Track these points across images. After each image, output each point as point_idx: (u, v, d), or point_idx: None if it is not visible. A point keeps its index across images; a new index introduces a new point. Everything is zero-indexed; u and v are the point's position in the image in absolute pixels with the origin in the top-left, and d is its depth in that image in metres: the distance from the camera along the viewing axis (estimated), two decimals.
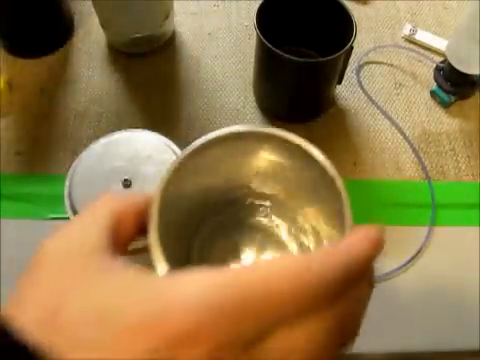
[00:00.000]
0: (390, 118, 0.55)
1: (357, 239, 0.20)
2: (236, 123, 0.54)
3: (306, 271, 0.18)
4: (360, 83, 0.57)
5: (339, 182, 0.25)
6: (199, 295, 0.17)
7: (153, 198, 0.23)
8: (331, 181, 0.25)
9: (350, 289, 0.19)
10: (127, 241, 0.23)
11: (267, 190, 0.31)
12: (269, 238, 0.31)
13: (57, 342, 0.17)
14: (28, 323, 0.17)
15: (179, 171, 0.25)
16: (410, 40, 0.60)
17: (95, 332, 0.17)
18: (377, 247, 0.20)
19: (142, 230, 0.23)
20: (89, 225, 0.21)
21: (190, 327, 0.16)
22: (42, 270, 0.20)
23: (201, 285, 0.17)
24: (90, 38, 0.59)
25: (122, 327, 0.17)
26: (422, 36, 0.60)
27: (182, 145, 0.38)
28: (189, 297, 0.17)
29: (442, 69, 0.56)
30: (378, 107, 0.55)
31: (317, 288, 0.18)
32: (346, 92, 0.56)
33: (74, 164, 0.40)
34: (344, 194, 0.24)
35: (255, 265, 0.19)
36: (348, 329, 0.20)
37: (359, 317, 0.20)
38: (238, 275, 0.18)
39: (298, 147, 0.26)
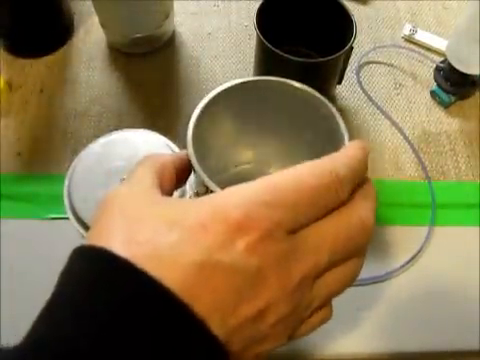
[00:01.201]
0: (390, 118, 0.55)
1: (353, 148, 0.25)
2: None
3: (328, 172, 0.22)
4: (360, 83, 0.57)
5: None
6: (244, 195, 0.21)
7: (188, 139, 0.29)
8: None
9: (362, 191, 0.24)
10: (171, 189, 0.27)
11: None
12: None
13: (141, 256, 0.20)
14: (114, 247, 0.20)
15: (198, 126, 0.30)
16: (410, 40, 0.60)
17: (168, 236, 0.20)
18: (365, 149, 0.25)
19: (180, 181, 0.28)
20: (140, 178, 0.25)
21: (241, 219, 0.20)
22: (112, 210, 0.23)
23: (243, 190, 0.21)
24: (90, 38, 0.59)
25: (188, 227, 0.20)
26: (422, 36, 0.60)
27: (181, 145, 0.38)
28: (236, 198, 0.21)
29: (442, 69, 0.56)
30: (378, 107, 0.55)
31: (339, 182, 0.22)
32: (346, 92, 0.56)
33: (73, 164, 0.40)
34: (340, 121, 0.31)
35: (287, 170, 0.22)
36: (365, 219, 0.23)
37: (373, 210, 0.24)
38: (273, 177, 0.22)
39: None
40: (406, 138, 0.53)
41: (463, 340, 0.43)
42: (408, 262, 0.46)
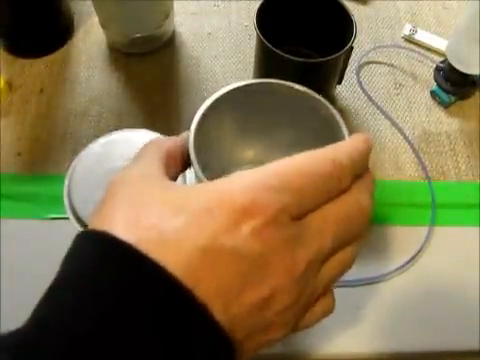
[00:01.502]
0: (390, 118, 0.55)
1: (356, 139, 0.25)
2: None
3: (331, 160, 0.23)
4: (360, 83, 0.57)
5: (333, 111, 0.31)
6: (250, 181, 0.21)
7: (190, 131, 0.29)
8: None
9: (360, 178, 0.24)
10: (176, 174, 0.28)
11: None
12: None
13: (146, 240, 0.20)
14: (118, 231, 0.20)
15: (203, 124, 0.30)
16: (410, 40, 0.60)
17: (173, 221, 0.20)
18: (369, 142, 0.25)
19: (185, 165, 0.29)
20: (148, 163, 0.26)
21: (247, 204, 0.20)
22: (118, 193, 0.23)
23: (249, 176, 0.21)
24: (90, 38, 0.59)
25: (194, 211, 0.20)
26: (422, 36, 0.60)
27: None
28: (242, 183, 0.21)
29: (442, 69, 0.56)
30: (378, 107, 0.55)
31: (341, 170, 0.23)
32: (346, 92, 0.56)
33: (73, 164, 0.40)
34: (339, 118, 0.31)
35: (291, 157, 0.23)
36: (362, 200, 0.24)
37: (370, 192, 0.25)
38: (278, 163, 0.22)
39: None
40: (406, 138, 0.53)
41: (463, 340, 0.43)
42: (408, 262, 0.46)
